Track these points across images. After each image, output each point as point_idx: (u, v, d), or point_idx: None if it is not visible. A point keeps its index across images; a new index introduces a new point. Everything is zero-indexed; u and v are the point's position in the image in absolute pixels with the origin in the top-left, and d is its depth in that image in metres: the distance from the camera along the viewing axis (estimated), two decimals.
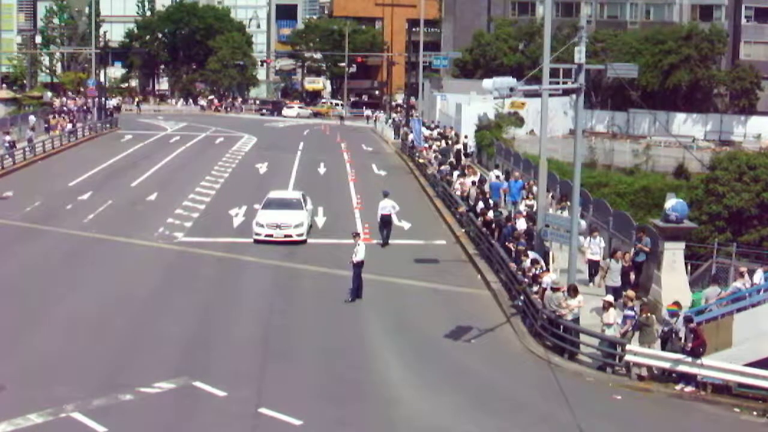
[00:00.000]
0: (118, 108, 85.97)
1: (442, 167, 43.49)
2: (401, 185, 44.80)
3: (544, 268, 23.87)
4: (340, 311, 24.49)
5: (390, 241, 32.55)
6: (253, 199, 37.56)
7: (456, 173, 40.50)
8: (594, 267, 26.21)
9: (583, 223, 26.41)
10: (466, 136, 54.96)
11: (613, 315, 20.68)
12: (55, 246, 31.65)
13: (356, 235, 26.63)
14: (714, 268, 29.67)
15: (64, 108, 77.77)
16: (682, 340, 19.60)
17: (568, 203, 27.48)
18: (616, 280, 23.96)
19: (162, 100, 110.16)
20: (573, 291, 21.74)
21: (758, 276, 23.55)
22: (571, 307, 21.43)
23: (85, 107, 78.54)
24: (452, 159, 47.00)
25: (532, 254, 24.72)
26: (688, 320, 19.64)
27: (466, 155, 53.26)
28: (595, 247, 26.04)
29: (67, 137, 60.42)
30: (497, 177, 38.45)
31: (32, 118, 64.17)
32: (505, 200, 35.53)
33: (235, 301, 25.20)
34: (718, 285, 23.33)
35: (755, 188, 39.12)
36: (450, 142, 54.26)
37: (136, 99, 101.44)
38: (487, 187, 36.35)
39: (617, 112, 72.23)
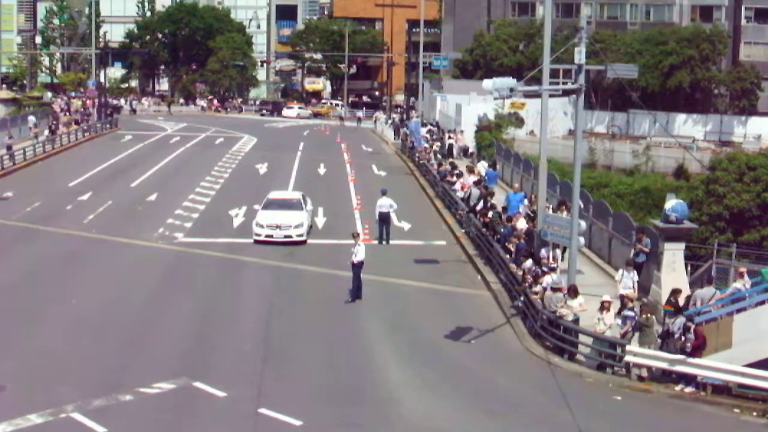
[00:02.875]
0: (118, 109, 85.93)
1: (442, 167, 43.52)
2: (401, 186, 44.79)
3: (553, 266, 23.82)
4: (340, 312, 24.48)
5: (390, 242, 32.60)
6: (253, 199, 37.56)
7: (456, 172, 40.56)
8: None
9: (583, 224, 26.37)
10: (452, 130, 55.36)
11: (611, 316, 20.68)
12: (55, 246, 31.65)
13: (356, 235, 26.62)
14: (714, 269, 29.65)
15: (81, 109, 77.37)
16: (681, 340, 19.61)
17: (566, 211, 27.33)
18: None
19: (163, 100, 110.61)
20: (573, 292, 21.71)
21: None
22: (573, 309, 21.39)
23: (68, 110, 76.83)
24: (450, 160, 47.28)
25: (555, 277, 23.37)
26: (689, 319, 19.65)
27: (465, 153, 53.65)
28: (628, 281, 23.41)
29: (41, 146, 54.72)
30: (489, 166, 41.61)
31: (32, 119, 63.85)
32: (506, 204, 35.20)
33: (235, 301, 25.20)
34: (714, 286, 23.22)
35: (756, 189, 39.12)
36: (440, 137, 55.16)
37: (168, 101, 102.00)
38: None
39: (617, 112, 72.24)
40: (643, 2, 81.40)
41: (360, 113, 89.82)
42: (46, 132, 60.90)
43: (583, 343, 20.98)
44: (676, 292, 21.55)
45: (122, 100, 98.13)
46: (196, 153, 58.07)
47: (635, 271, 24.11)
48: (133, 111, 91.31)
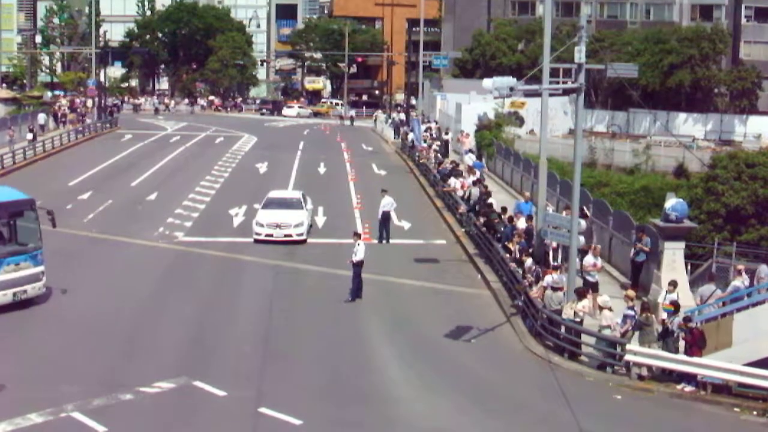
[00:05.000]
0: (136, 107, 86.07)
1: (441, 167, 43.50)
2: (401, 185, 44.79)
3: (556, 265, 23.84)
4: (340, 311, 24.48)
5: (390, 241, 32.60)
6: (253, 198, 37.56)
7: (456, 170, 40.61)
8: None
9: (583, 223, 26.36)
10: (461, 132, 55.52)
11: (609, 317, 20.68)
12: (55, 246, 31.54)
13: (356, 234, 26.62)
14: (714, 268, 29.65)
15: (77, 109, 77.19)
16: (679, 340, 19.62)
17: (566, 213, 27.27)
18: None
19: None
20: (580, 295, 21.65)
21: (763, 271, 23.05)
22: (577, 310, 21.35)
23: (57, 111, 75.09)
24: (452, 159, 47.39)
25: (556, 276, 23.04)
26: (687, 320, 19.66)
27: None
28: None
29: (10, 155, 49.24)
30: (476, 158, 45.40)
31: (42, 116, 63.54)
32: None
33: (235, 300, 25.20)
34: (714, 284, 23.22)
35: (753, 186, 39.10)
36: (435, 135, 55.46)
37: (192, 100, 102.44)
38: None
39: (617, 111, 72.17)
40: (644, 1, 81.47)
41: (352, 112, 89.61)
42: (29, 136, 56.24)
43: (584, 343, 20.97)
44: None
45: (142, 99, 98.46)
46: (196, 152, 58.06)
47: (678, 292, 22.51)
48: (156, 110, 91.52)
